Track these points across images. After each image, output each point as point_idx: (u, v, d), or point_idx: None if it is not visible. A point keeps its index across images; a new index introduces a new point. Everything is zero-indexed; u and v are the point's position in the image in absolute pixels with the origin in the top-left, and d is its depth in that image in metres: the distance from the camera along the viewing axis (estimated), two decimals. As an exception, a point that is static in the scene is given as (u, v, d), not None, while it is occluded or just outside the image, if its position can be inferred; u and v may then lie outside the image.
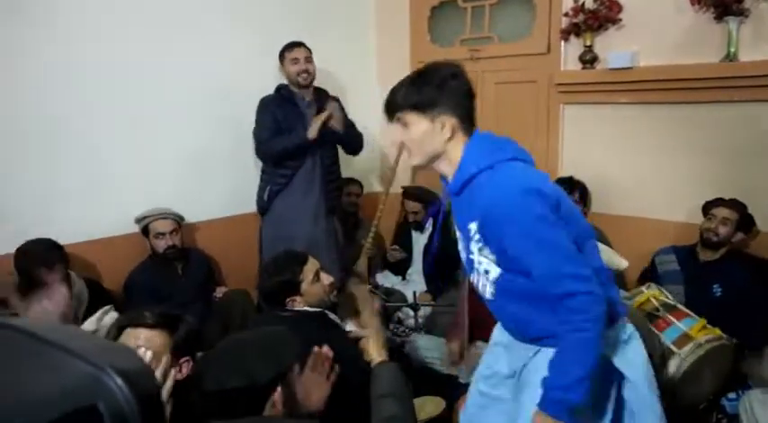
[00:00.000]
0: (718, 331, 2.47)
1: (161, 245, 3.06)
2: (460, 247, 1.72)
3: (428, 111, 1.54)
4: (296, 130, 3.30)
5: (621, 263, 2.58)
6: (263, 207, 3.45)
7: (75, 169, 2.92)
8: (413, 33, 4.34)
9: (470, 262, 1.65)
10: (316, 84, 3.49)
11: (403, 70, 4.36)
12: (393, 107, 1.60)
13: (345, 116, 3.47)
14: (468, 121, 1.58)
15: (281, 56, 3.40)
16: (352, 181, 4.07)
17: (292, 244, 3.05)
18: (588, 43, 3.37)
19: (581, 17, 3.32)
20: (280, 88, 3.44)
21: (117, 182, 3.08)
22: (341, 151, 3.64)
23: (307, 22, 3.82)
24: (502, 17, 3.93)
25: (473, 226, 1.56)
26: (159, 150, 3.24)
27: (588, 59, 3.38)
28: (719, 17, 2.91)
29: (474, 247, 1.59)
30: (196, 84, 3.35)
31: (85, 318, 2.43)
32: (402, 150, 1.73)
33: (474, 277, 1.69)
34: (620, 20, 3.27)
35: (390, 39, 4.41)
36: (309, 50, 3.40)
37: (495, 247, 1.53)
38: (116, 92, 3.03)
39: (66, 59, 2.85)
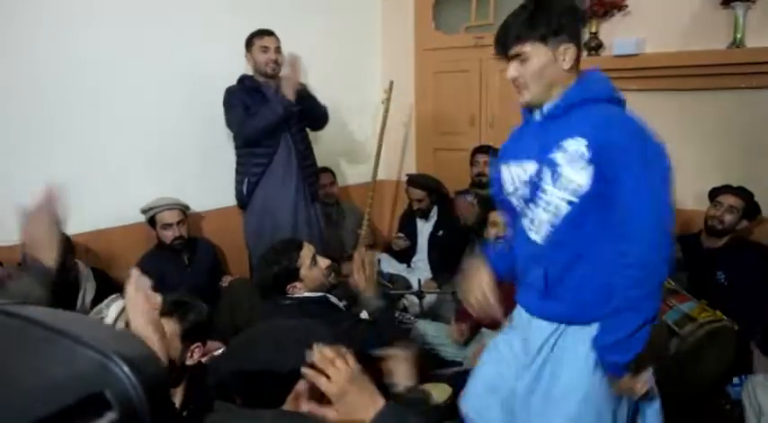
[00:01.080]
0: (719, 313, 2.47)
1: (168, 236, 3.07)
2: (518, 177, 1.60)
3: (551, 40, 1.49)
4: (267, 105, 3.20)
5: None
6: (243, 200, 3.37)
7: (79, 159, 2.93)
8: (417, 21, 4.33)
9: (534, 193, 1.55)
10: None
11: (408, 57, 4.38)
12: (511, 41, 1.52)
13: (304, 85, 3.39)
14: (580, 53, 1.56)
15: (249, 43, 3.29)
16: (323, 170, 3.94)
17: (276, 234, 3.04)
18: (594, 30, 3.35)
19: (587, 3, 3.30)
20: (243, 79, 3.32)
21: (122, 171, 3.09)
22: (312, 136, 3.58)
23: (312, 10, 3.80)
24: (506, 4, 3.89)
25: (573, 143, 1.45)
26: (165, 139, 3.25)
27: (594, 46, 3.36)
28: (726, 3, 2.89)
29: (550, 179, 1.50)
30: (200, 74, 3.34)
31: (93, 307, 2.46)
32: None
33: (527, 215, 1.59)
34: (626, 6, 3.24)
35: (395, 26, 4.40)
36: (279, 40, 3.30)
37: (601, 171, 1.44)
38: (121, 82, 3.04)
39: (69, 50, 2.85)
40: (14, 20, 2.69)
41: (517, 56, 1.52)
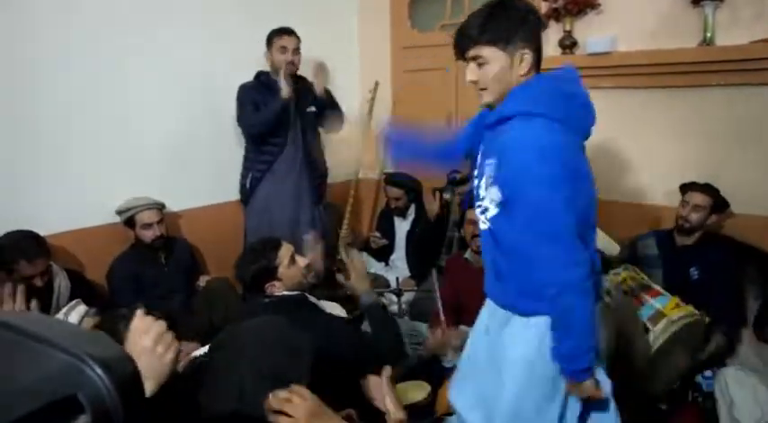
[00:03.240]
0: (690, 308, 2.51)
1: (149, 235, 3.03)
2: (474, 177, 1.72)
3: (508, 46, 1.50)
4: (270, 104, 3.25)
5: (615, 248, 2.63)
6: (246, 195, 3.43)
7: (53, 159, 2.89)
8: (393, 19, 4.33)
9: (477, 195, 1.66)
10: (299, 70, 3.45)
11: (384, 56, 4.38)
12: (468, 43, 1.54)
13: (327, 91, 3.44)
14: (539, 56, 1.56)
15: (270, 40, 3.33)
16: None
17: (275, 231, 3.04)
18: (568, 28, 3.38)
19: (561, 2, 3.33)
20: (259, 75, 3.39)
21: (97, 171, 3.05)
22: (324, 138, 3.60)
23: (289, 8, 3.79)
24: (482, 2, 3.92)
25: (491, 161, 1.55)
26: (139, 139, 3.20)
27: (568, 44, 3.39)
28: (696, 2, 2.94)
29: (483, 182, 1.60)
30: (175, 72, 3.32)
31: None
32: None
33: (476, 212, 1.69)
34: (600, 5, 3.28)
35: (372, 25, 4.41)
36: (299, 40, 3.33)
37: (502, 189, 1.53)
38: (96, 82, 3.00)
39: (47, 50, 2.81)
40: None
41: (474, 59, 1.54)
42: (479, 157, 1.66)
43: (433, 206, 3.81)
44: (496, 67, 1.52)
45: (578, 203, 1.49)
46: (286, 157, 3.36)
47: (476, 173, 1.69)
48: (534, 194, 1.45)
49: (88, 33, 2.96)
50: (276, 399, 1.19)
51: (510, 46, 1.50)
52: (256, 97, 3.29)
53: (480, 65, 1.54)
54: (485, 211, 1.62)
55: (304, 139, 3.40)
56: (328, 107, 3.45)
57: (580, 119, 1.58)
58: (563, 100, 1.54)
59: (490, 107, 1.62)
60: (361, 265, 2.37)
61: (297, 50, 3.32)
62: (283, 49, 3.28)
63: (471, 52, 1.54)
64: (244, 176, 3.44)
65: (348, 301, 2.50)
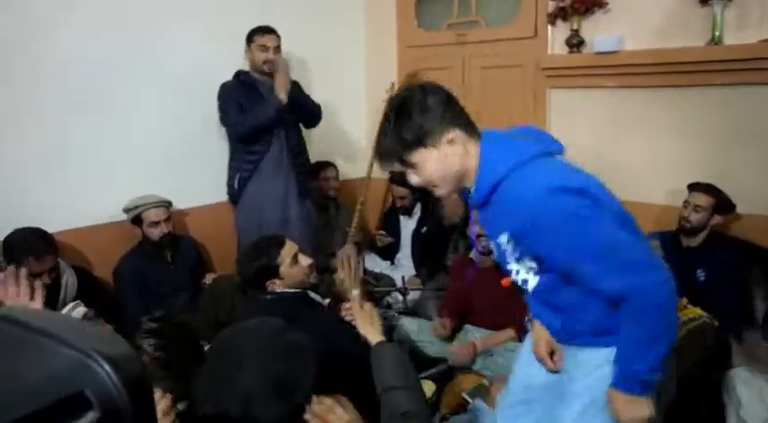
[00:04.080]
0: (698, 310, 2.49)
1: (156, 233, 3.04)
2: (497, 256, 1.61)
3: (429, 140, 1.39)
4: (262, 105, 3.22)
5: None
6: (234, 195, 3.41)
7: (60, 157, 2.90)
8: (400, 18, 4.32)
9: (505, 268, 1.57)
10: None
11: (390, 55, 4.38)
12: (391, 157, 1.44)
13: (296, 84, 3.40)
14: (468, 125, 1.44)
15: (250, 38, 3.31)
16: (327, 164, 4.00)
17: (265, 230, 3.05)
18: (575, 27, 3.37)
19: (568, 1, 3.33)
20: (239, 74, 3.35)
21: (104, 169, 3.06)
22: (305, 133, 3.60)
23: (294, 7, 3.79)
24: (489, 1, 3.92)
25: (503, 238, 1.46)
26: (144, 137, 3.22)
27: (575, 43, 3.38)
28: (704, 1, 2.92)
29: (510, 258, 1.50)
30: (180, 71, 3.32)
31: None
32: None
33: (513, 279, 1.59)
34: (607, 3, 3.27)
35: (378, 24, 4.40)
36: (279, 38, 3.31)
37: (537, 254, 1.43)
38: (101, 81, 3.01)
39: (52, 50, 2.82)
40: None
41: (406, 165, 1.45)
42: (478, 237, 1.57)
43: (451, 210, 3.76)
44: (431, 165, 1.41)
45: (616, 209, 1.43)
46: (272, 155, 3.34)
47: (496, 253, 1.59)
48: (592, 236, 1.33)
49: (92, 33, 2.97)
50: (320, 406, 1.19)
51: (431, 140, 1.39)
52: (239, 97, 3.26)
53: (415, 168, 1.44)
54: (525, 282, 1.53)
55: (287, 135, 3.39)
56: (302, 100, 3.39)
57: (549, 141, 1.51)
58: (522, 136, 1.47)
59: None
60: (355, 265, 2.30)
61: (277, 49, 3.30)
62: (264, 47, 3.27)
63: (399, 163, 1.45)
64: (231, 177, 3.41)
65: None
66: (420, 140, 1.39)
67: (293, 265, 2.18)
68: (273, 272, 2.15)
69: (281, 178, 3.38)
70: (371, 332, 1.68)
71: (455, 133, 1.40)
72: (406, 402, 1.41)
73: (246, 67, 3.38)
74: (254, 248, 2.24)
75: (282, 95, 3.18)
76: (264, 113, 3.19)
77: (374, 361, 1.56)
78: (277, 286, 2.15)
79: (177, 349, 1.58)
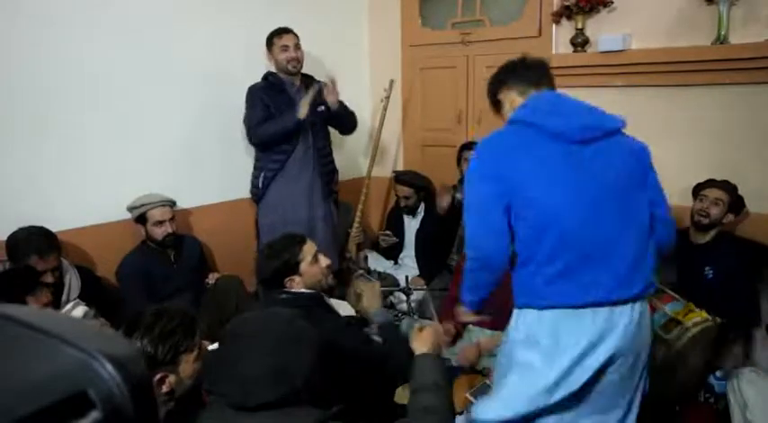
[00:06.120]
0: (704, 313, 2.48)
1: (160, 232, 3.04)
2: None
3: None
4: (285, 113, 3.28)
5: None
6: (258, 194, 3.44)
7: (64, 156, 2.90)
8: (404, 17, 4.32)
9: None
10: (309, 69, 3.47)
11: (394, 54, 4.37)
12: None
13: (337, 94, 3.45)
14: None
15: (269, 42, 3.37)
16: None
17: (291, 229, 3.05)
18: (580, 26, 3.36)
19: (572, 0, 3.31)
20: (267, 76, 3.41)
21: (108, 167, 3.06)
22: (333, 134, 3.62)
23: (298, 6, 3.79)
24: (492, 1, 3.91)
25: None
26: (150, 136, 3.21)
27: (579, 42, 3.37)
28: (710, 0, 2.91)
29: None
30: (186, 70, 3.32)
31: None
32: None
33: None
34: (612, 2, 3.26)
35: (382, 23, 4.39)
36: (297, 37, 3.36)
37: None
38: (107, 79, 3.01)
39: (59, 49, 2.81)
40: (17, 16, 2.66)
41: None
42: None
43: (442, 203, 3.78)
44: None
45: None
46: (298, 155, 3.38)
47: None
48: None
49: (103, 31, 2.96)
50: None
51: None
52: (266, 99, 3.32)
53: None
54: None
55: (315, 137, 3.42)
56: (343, 117, 3.49)
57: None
58: (533, 104, 2.06)
59: None
60: (375, 289, 2.36)
61: (297, 46, 3.35)
62: (285, 47, 3.32)
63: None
64: (255, 176, 3.45)
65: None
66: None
67: (313, 263, 2.17)
68: (294, 268, 2.14)
69: (307, 178, 3.41)
70: (422, 348, 1.76)
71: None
72: (432, 399, 1.52)
73: (273, 69, 3.43)
74: (275, 245, 2.22)
75: (304, 111, 3.22)
76: (283, 124, 3.25)
77: (416, 367, 1.67)
78: (296, 284, 2.14)
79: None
